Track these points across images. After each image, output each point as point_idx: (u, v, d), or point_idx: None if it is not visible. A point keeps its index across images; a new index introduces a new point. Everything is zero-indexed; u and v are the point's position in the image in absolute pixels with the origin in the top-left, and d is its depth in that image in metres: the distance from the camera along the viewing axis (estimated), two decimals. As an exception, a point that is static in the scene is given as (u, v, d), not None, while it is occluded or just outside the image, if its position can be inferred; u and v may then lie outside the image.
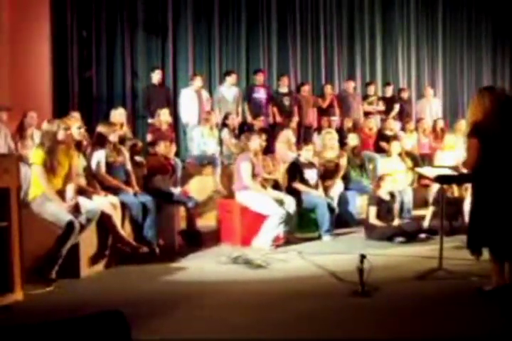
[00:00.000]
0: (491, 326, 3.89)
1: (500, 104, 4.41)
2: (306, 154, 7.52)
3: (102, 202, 5.56)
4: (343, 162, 8.13)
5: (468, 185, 7.47)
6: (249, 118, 9.82)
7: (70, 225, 4.94)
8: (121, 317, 2.25)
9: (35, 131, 7.44)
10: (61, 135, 5.20)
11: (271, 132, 9.57)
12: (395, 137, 9.51)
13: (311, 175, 7.43)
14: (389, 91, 11.49)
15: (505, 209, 4.37)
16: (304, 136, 10.11)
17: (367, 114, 10.85)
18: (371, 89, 11.34)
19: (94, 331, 2.18)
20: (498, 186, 4.37)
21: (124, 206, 5.93)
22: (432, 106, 11.65)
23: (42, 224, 5.04)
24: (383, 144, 9.55)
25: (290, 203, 6.79)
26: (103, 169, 6.12)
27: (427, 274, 5.12)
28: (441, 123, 10.70)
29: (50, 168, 5.13)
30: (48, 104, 8.93)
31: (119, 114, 8.20)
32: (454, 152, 8.57)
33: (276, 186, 7.32)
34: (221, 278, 5.24)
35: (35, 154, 5.19)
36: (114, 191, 6.02)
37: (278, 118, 10.03)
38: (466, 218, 7.44)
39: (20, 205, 4.44)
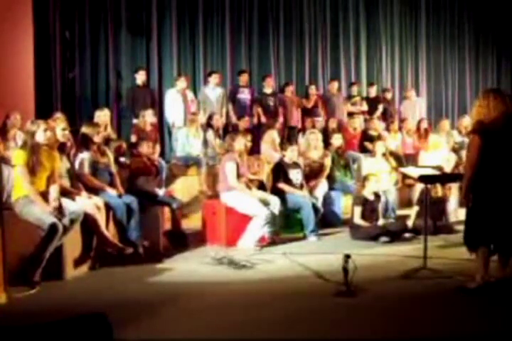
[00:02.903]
0: (476, 324, 3.92)
1: (505, 105, 4.49)
2: (291, 154, 7.52)
3: (86, 204, 5.51)
4: (328, 162, 8.13)
5: (452, 185, 7.57)
6: (233, 119, 9.81)
7: (53, 227, 4.88)
8: (103, 319, 2.25)
9: (18, 133, 7.38)
10: (40, 135, 5.16)
11: (256, 133, 9.56)
12: (379, 137, 9.56)
13: (295, 175, 7.44)
14: (373, 92, 11.53)
15: (504, 207, 4.44)
16: (288, 137, 10.12)
17: (351, 114, 10.88)
18: (354, 90, 11.40)
19: (77, 333, 2.17)
20: (496, 184, 4.45)
21: (108, 207, 5.88)
22: (415, 107, 11.72)
23: (25, 226, 4.99)
24: (367, 144, 9.59)
25: (275, 204, 6.80)
26: (87, 170, 6.08)
27: (412, 273, 5.16)
28: (425, 124, 10.75)
29: (31, 169, 5.07)
30: (31, 105, 8.84)
31: (103, 115, 8.15)
32: (437, 152, 8.62)
33: (261, 187, 7.32)
34: (206, 279, 5.23)
35: (17, 155, 5.13)
36: (98, 192, 5.99)
37: (263, 119, 10.04)
38: (450, 217, 7.57)
39: (3, 207, 4.41)
